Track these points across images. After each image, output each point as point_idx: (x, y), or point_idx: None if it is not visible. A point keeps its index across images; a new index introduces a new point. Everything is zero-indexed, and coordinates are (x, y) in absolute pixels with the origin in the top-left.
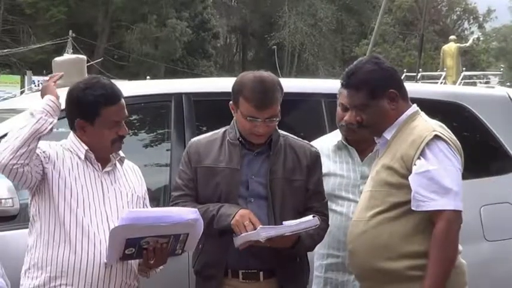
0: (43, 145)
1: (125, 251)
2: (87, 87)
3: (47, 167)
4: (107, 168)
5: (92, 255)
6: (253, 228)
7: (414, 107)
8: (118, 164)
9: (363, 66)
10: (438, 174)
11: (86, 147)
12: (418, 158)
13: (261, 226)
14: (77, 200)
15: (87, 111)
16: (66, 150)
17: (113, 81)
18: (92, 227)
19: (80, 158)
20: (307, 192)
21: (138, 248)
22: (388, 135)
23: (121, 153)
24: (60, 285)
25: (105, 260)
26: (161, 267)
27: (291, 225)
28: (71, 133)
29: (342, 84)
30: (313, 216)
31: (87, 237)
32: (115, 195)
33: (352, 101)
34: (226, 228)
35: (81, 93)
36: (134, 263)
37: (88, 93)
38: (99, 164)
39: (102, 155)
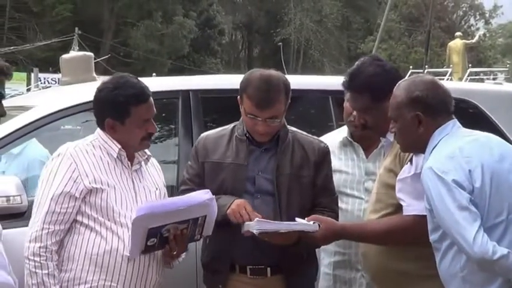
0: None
1: (146, 242)
2: (116, 88)
3: (83, 188)
4: (136, 167)
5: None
6: (248, 218)
7: None
8: (142, 162)
9: (366, 69)
10: (414, 179)
11: (119, 146)
12: (407, 162)
13: (257, 219)
14: (115, 199)
15: (117, 111)
16: (97, 147)
17: None
18: (129, 225)
19: (111, 155)
20: (315, 188)
21: (159, 237)
22: (391, 136)
23: (147, 151)
24: (99, 280)
25: (128, 254)
26: (183, 255)
27: (287, 223)
28: (99, 130)
29: (344, 86)
30: (314, 223)
31: (128, 236)
32: (145, 194)
33: (356, 104)
34: (223, 219)
35: (111, 94)
36: (161, 258)
37: (118, 94)
38: (129, 162)
39: (131, 153)
